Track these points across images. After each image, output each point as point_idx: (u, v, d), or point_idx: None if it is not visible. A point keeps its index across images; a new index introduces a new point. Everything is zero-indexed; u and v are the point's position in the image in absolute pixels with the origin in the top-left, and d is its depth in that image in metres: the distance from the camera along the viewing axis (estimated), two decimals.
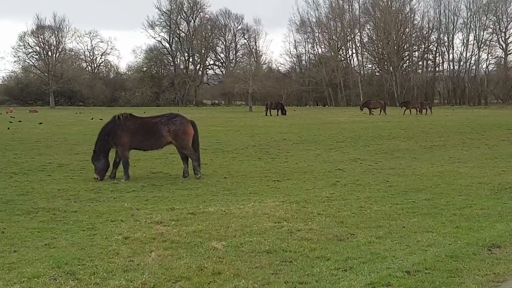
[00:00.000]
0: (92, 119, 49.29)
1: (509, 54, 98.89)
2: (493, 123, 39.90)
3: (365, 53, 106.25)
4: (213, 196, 12.35)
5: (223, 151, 22.58)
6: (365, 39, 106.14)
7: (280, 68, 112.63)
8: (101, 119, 48.29)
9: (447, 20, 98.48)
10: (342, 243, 8.30)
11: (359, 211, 10.60)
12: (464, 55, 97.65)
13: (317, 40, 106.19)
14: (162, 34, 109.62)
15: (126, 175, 14.73)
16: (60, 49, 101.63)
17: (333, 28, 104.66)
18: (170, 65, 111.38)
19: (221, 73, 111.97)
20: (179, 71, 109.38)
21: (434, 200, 11.63)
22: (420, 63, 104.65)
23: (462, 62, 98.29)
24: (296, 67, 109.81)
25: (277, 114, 59.38)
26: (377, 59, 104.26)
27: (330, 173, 16.10)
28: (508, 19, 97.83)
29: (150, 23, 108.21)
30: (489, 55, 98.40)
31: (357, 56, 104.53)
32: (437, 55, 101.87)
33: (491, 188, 13.02)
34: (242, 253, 7.81)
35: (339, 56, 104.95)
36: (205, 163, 17.35)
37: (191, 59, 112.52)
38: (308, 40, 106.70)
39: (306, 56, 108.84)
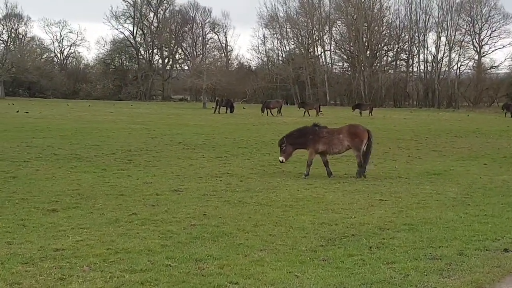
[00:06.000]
0: (17, 111, 46.38)
1: (483, 56, 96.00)
2: (442, 129, 36.97)
3: (336, 50, 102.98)
4: None
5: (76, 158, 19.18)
6: (337, 37, 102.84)
7: (246, 63, 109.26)
8: (27, 112, 45.64)
9: (419, 19, 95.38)
10: None
11: None
12: (436, 56, 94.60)
13: (285, 36, 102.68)
14: (126, 25, 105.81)
15: None
16: (13, 37, 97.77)
17: (304, 24, 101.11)
18: (136, 58, 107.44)
19: (187, 67, 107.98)
20: (143, 65, 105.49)
21: None
22: (393, 63, 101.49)
23: (433, 63, 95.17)
24: (264, 63, 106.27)
25: (226, 112, 56.46)
26: (347, 57, 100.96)
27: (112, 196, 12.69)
28: (483, 20, 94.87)
29: (114, 14, 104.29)
30: (461, 56, 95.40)
31: (325, 54, 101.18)
32: (409, 55, 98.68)
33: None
34: None
35: (309, 53, 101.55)
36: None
37: (158, 53, 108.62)
38: (276, 36, 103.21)
39: (274, 52, 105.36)
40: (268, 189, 13.81)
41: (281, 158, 16.18)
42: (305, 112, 54.08)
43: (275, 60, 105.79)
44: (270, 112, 53.42)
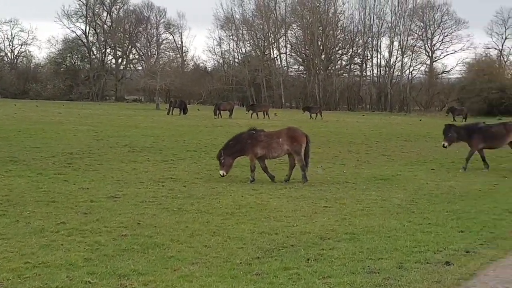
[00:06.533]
0: None
1: (435, 61, 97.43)
2: (393, 133, 37.07)
3: (291, 53, 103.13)
4: None
5: None
6: (293, 40, 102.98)
7: (202, 65, 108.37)
8: None
9: (372, 23, 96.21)
10: None
11: None
12: (389, 60, 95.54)
13: (242, 38, 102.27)
14: (78, 24, 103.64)
15: None
16: None
17: (259, 27, 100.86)
18: (88, 57, 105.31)
19: (141, 68, 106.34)
20: (95, 64, 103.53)
21: None
22: (347, 66, 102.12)
23: (386, 68, 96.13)
24: (220, 64, 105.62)
25: (179, 113, 55.70)
26: (302, 60, 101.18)
27: None
28: (435, 26, 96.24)
29: (66, 13, 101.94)
30: (414, 61, 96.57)
31: (280, 57, 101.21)
32: (363, 59, 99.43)
33: None
34: None
35: (265, 56, 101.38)
36: None
37: (111, 52, 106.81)
38: (232, 37, 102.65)
39: (230, 54, 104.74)
40: (212, 195, 13.34)
41: (221, 172, 15.54)
42: (252, 114, 53.90)
43: (231, 62, 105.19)
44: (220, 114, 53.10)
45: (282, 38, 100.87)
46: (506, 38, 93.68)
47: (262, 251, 8.38)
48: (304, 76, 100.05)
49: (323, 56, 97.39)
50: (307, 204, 12.30)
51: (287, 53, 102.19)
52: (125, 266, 7.57)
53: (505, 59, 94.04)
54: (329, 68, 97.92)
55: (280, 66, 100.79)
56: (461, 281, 6.98)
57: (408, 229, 9.90)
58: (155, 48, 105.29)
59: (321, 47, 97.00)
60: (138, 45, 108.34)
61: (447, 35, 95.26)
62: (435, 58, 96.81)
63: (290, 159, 16.05)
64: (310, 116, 55.99)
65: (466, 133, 19.54)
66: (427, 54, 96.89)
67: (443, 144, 19.50)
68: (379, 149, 26.34)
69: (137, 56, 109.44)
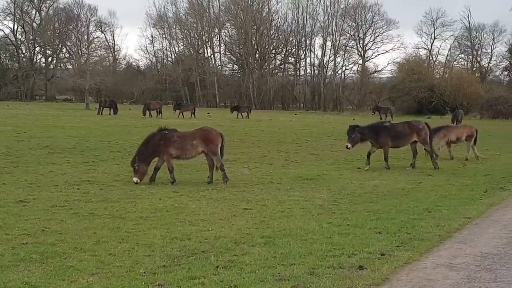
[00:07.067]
0: None
1: (367, 60, 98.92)
2: (324, 132, 37.23)
3: (226, 52, 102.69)
4: None
5: None
6: (227, 39, 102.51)
7: (134, 64, 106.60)
8: None
9: (305, 23, 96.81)
10: None
11: None
12: (322, 60, 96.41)
13: (175, 37, 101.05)
14: (6, 22, 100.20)
15: None
16: None
17: (193, 26, 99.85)
18: (17, 56, 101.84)
19: (71, 67, 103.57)
20: (24, 63, 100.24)
21: None
22: (282, 66, 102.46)
23: (320, 67, 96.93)
24: (152, 63, 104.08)
25: (109, 113, 54.55)
26: (236, 60, 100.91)
27: None
28: (367, 26, 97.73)
29: None
30: (346, 61, 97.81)
31: (214, 56, 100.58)
32: (297, 59, 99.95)
33: None
34: None
35: (199, 55, 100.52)
36: None
37: (41, 51, 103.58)
38: (165, 36, 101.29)
39: (163, 53, 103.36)
40: (128, 198, 12.75)
41: (135, 179, 14.78)
42: (179, 113, 53.30)
43: (164, 61, 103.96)
44: (150, 113, 52.34)
45: (216, 37, 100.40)
46: (435, 38, 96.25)
47: (170, 259, 7.89)
48: (239, 75, 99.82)
49: (257, 55, 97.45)
50: (227, 207, 11.89)
51: (221, 52, 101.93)
52: (18, 278, 6.95)
53: (434, 59, 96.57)
54: (263, 67, 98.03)
55: (214, 65, 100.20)
56: (373, 286, 6.69)
57: (326, 231, 9.61)
58: (86, 46, 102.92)
59: (255, 46, 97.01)
60: (69, 43, 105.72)
61: (378, 35, 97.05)
62: (367, 57, 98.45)
63: (208, 160, 15.57)
64: (237, 115, 56.15)
65: (372, 133, 19.50)
66: (359, 53, 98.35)
67: (347, 146, 19.29)
68: (308, 148, 26.28)
69: (67, 55, 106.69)
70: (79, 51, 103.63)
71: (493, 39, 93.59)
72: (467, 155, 22.73)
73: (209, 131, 15.85)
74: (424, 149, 20.21)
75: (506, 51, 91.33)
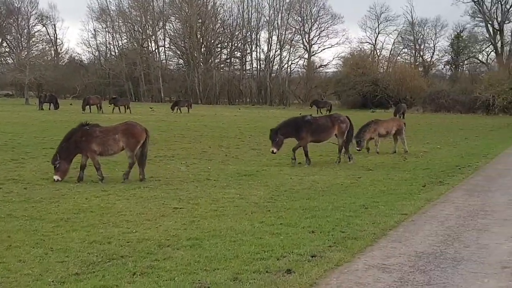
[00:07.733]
0: None
1: (313, 55, 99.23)
2: (269, 126, 36.54)
3: (171, 46, 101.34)
4: None
5: None
6: (171, 33, 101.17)
7: (77, 58, 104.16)
8: None
9: (251, 17, 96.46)
10: None
11: None
12: (268, 54, 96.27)
13: (118, 30, 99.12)
14: None
15: None
16: None
17: (137, 19, 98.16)
18: None
19: (11, 61, 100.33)
20: None
21: None
22: (228, 60, 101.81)
23: (266, 62, 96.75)
24: (95, 57, 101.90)
25: (49, 108, 53.19)
26: (181, 54, 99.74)
27: None
28: (312, 20, 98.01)
29: None
30: (292, 55, 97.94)
31: (159, 50, 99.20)
32: (243, 53, 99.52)
33: None
34: None
35: (143, 49, 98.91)
36: None
37: None
38: (108, 29, 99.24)
39: (106, 47, 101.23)
40: (52, 198, 11.98)
41: (55, 178, 13.96)
42: (114, 108, 52.21)
43: (108, 55, 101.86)
44: (90, 109, 51.13)
45: (161, 31, 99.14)
46: (379, 32, 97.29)
47: (85, 265, 7.26)
48: (184, 69, 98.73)
49: (203, 49, 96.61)
50: (156, 206, 11.27)
51: (166, 46, 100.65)
52: None
53: (378, 54, 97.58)
54: (209, 61, 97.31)
55: (159, 59, 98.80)
56: None
57: (258, 231, 9.11)
58: (27, 40, 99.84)
59: (201, 40, 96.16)
60: (9, 37, 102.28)
61: (323, 30, 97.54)
62: (313, 52, 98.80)
63: (138, 156, 14.85)
64: (179, 110, 55.78)
65: (293, 129, 19.12)
66: (305, 48, 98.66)
67: (272, 150, 18.80)
68: (250, 143, 25.82)
69: (7, 49, 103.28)
70: (20, 45, 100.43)
71: (436, 33, 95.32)
72: (395, 148, 22.92)
73: (134, 126, 15.08)
74: (338, 141, 19.78)
75: (448, 46, 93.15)
